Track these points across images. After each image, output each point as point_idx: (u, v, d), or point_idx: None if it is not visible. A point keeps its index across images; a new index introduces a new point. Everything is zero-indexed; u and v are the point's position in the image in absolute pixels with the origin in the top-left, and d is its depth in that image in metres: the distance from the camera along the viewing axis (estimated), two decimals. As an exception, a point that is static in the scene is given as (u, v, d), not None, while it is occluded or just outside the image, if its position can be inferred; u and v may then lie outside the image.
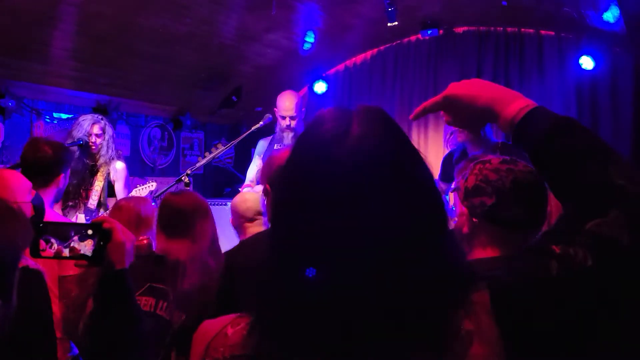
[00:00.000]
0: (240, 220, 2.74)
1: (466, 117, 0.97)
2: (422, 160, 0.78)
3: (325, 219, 0.71)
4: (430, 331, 0.70)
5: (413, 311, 0.70)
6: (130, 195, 3.91)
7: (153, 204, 4.49)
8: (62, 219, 2.77)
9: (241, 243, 2.39)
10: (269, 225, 0.84)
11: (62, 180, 2.67)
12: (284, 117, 3.88)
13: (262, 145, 4.06)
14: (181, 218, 2.18)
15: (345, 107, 0.80)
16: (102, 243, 1.27)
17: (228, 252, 2.12)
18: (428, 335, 0.70)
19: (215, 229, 2.29)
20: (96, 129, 3.93)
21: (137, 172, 4.08)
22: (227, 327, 0.82)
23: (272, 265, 0.78)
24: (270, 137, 3.96)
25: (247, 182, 4.06)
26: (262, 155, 4.07)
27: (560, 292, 0.72)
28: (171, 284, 1.90)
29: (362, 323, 0.70)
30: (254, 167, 4.09)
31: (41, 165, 2.58)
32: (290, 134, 3.89)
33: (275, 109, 3.95)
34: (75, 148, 3.88)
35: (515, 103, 0.90)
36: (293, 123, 3.86)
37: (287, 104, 3.89)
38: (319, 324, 0.71)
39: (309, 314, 0.72)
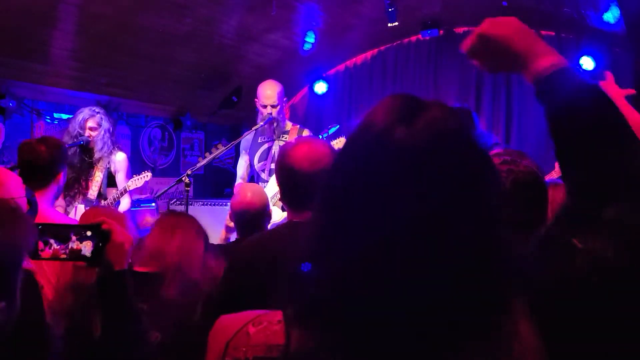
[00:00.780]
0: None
1: (497, 58, 0.93)
2: (488, 158, 0.74)
3: (381, 208, 0.68)
4: (481, 333, 0.68)
5: (468, 310, 0.67)
6: (110, 200, 3.90)
7: (153, 204, 4.46)
8: (63, 218, 2.76)
9: (247, 240, 2.36)
10: (313, 214, 0.78)
11: (62, 178, 2.64)
12: (264, 106, 3.82)
13: (246, 139, 4.02)
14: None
15: (413, 95, 0.77)
16: (100, 244, 1.27)
17: (233, 250, 2.07)
18: (477, 338, 0.67)
19: (201, 246, 2.10)
20: (91, 123, 3.90)
21: (137, 172, 4.07)
22: (248, 325, 0.79)
23: (320, 258, 0.73)
24: (253, 131, 3.90)
25: (238, 179, 4.05)
26: (247, 150, 4.04)
27: (588, 290, 0.70)
28: (146, 299, 1.81)
29: (405, 318, 0.67)
30: (243, 163, 4.07)
31: (39, 166, 2.54)
32: (273, 125, 3.85)
33: (255, 99, 3.91)
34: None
35: (546, 58, 0.87)
36: (274, 112, 3.80)
37: (268, 92, 3.83)
38: (362, 319, 0.68)
39: (352, 309, 0.69)
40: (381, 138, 0.70)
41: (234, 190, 3.96)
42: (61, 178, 2.63)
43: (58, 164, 2.61)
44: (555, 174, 3.74)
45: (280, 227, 1.79)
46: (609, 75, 1.84)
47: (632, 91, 1.98)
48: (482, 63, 0.97)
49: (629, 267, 0.70)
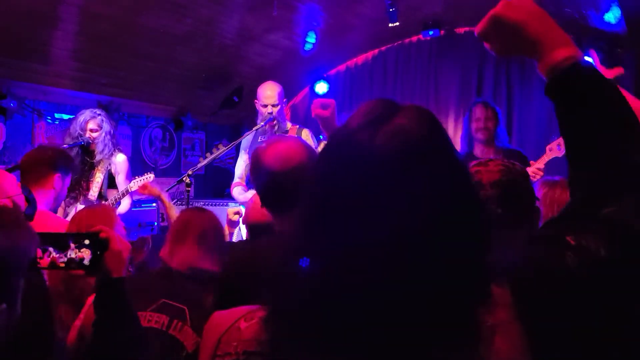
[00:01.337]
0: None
1: (509, 43, 0.90)
2: (458, 158, 0.75)
3: (355, 211, 0.69)
4: (455, 327, 0.68)
5: (439, 306, 0.68)
6: (110, 201, 3.89)
7: (154, 204, 4.45)
8: (60, 220, 2.75)
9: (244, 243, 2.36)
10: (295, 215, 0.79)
11: (57, 181, 2.66)
12: (265, 106, 3.83)
13: (246, 139, 4.02)
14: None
15: (393, 100, 0.77)
16: (98, 252, 1.27)
17: (232, 253, 2.08)
18: (451, 332, 0.68)
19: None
20: (92, 124, 3.90)
21: (138, 172, 4.06)
22: (240, 320, 0.80)
23: (295, 257, 0.74)
24: (254, 131, 3.90)
25: (236, 179, 4.03)
26: (247, 150, 4.03)
27: (578, 286, 0.69)
28: (192, 302, 1.76)
29: (383, 319, 0.68)
30: (242, 163, 4.05)
31: (28, 164, 2.65)
32: (273, 124, 3.84)
33: (255, 100, 3.92)
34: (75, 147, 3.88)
35: (562, 49, 0.84)
36: (275, 111, 3.81)
37: (268, 92, 3.85)
38: (341, 320, 0.69)
39: (332, 310, 0.69)
40: (348, 143, 0.72)
41: (234, 191, 3.97)
42: (55, 181, 2.67)
43: (50, 165, 2.69)
44: (541, 162, 3.74)
45: (274, 237, 1.79)
46: (594, 55, 1.82)
47: (620, 70, 1.93)
48: (493, 46, 0.93)
49: (619, 263, 0.69)
